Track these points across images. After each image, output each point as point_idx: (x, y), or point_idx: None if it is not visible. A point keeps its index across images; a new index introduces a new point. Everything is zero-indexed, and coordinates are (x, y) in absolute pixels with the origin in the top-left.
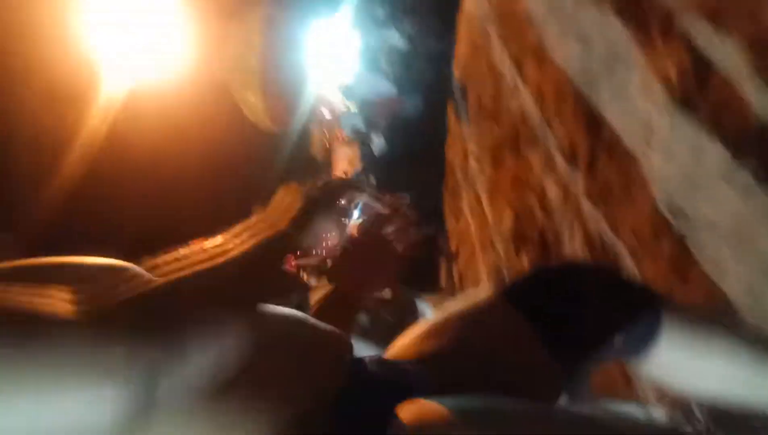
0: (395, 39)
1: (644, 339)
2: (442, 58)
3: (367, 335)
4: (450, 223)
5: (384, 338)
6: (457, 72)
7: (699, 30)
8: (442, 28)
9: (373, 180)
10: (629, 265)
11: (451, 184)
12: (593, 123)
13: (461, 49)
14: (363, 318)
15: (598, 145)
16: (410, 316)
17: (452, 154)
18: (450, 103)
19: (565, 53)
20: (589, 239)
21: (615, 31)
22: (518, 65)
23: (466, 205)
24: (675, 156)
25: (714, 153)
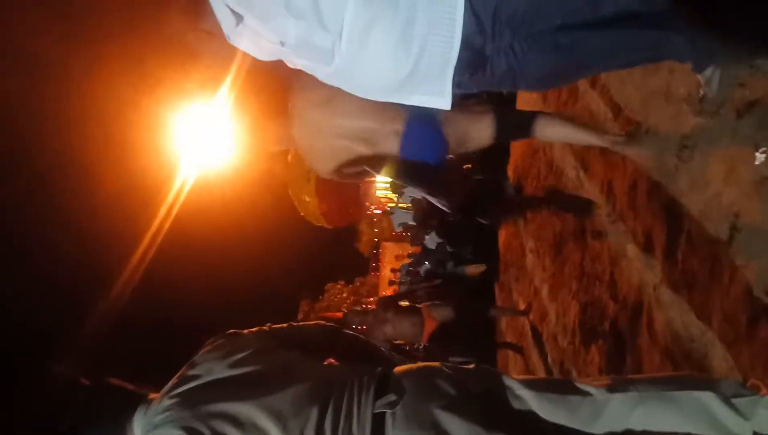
0: None
1: None
2: (497, 163)
3: None
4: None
5: None
6: (511, 174)
7: None
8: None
9: (423, 272)
10: (723, 354)
11: (507, 281)
12: (670, 213)
13: (516, 150)
14: None
15: (678, 234)
16: None
17: (507, 253)
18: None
19: (637, 147)
20: (672, 328)
21: (688, 125)
22: (583, 161)
23: (520, 299)
24: (766, 238)
25: None
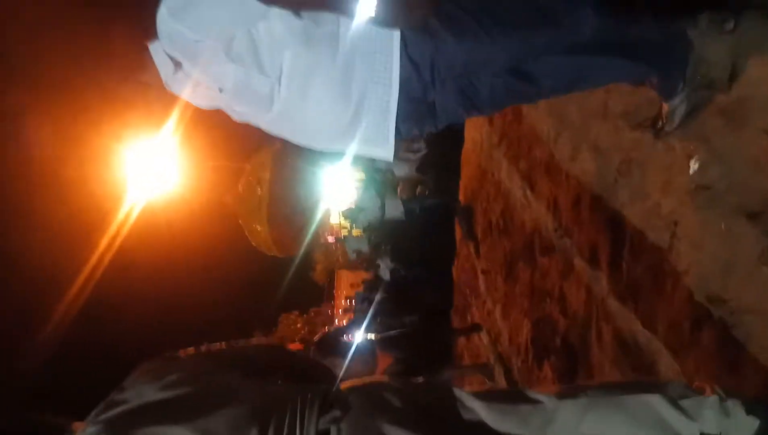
0: (399, 170)
1: None
2: (447, 187)
3: None
4: (460, 341)
5: None
6: (462, 196)
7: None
8: (447, 155)
9: (377, 301)
10: (669, 361)
11: (461, 304)
12: (614, 224)
13: (466, 173)
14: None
15: (621, 245)
16: None
17: (461, 275)
18: (457, 225)
19: (579, 164)
20: (620, 339)
21: (626, 139)
22: (529, 180)
23: (477, 321)
24: (705, 245)
25: (746, 237)
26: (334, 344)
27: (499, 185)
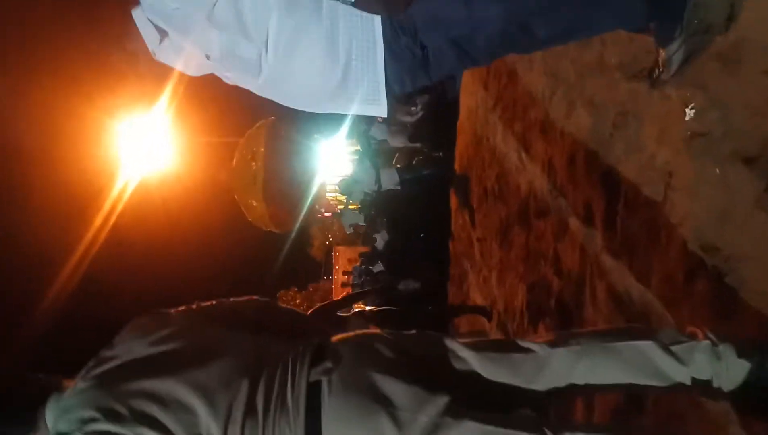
0: (395, 141)
1: None
2: (443, 156)
3: None
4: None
5: None
6: (457, 165)
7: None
8: (444, 128)
9: (375, 272)
10: (662, 313)
11: (457, 274)
12: (608, 181)
13: (462, 142)
14: None
15: (616, 201)
16: None
17: (457, 245)
18: (453, 194)
19: (574, 121)
20: (614, 295)
21: (622, 91)
22: (524, 142)
23: (474, 291)
24: (700, 194)
25: (742, 183)
26: (328, 317)
27: (494, 151)
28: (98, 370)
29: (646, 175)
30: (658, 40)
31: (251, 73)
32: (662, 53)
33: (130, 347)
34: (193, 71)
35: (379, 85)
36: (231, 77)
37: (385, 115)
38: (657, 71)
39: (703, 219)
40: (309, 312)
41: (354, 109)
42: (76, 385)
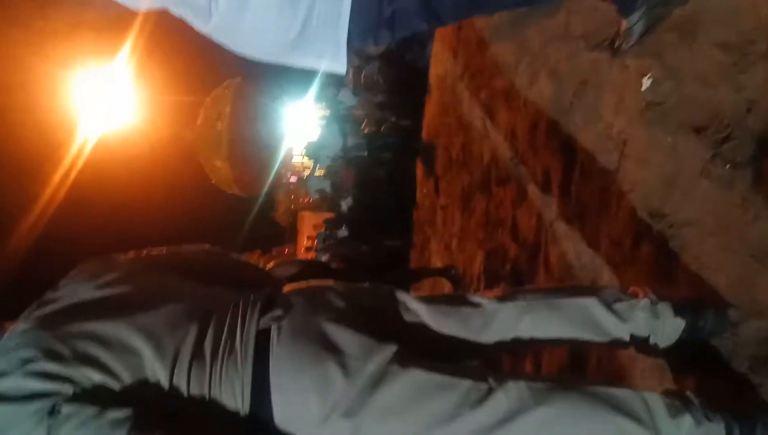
0: (364, 107)
1: None
2: (411, 123)
3: None
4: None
5: None
6: (425, 133)
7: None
8: (413, 97)
9: (339, 238)
10: (609, 276)
11: (420, 242)
12: (567, 149)
13: (429, 111)
14: None
15: (572, 169)
16: None
17: (421, 214)
18: (418, 163)
19: (537, 89)
20: (566, 260)
21: (583, 61)
22: (489, 111)
23: (435, 257)
24: (651, 162)
25: (691, 151)
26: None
27: (460, 119)
28: (41, 311)
29: (602, 144)
30: (620, 9)
31: (200, 18)
32: (624, 23)
33: (75, 290)
34: (145, 5)
35: (341, 39)
36: (180, 15)
37: (343, 73)
38: (618, 41)
39: (652, 186)
40: (268, 266)
41: (310, 64)
42: (17, 326)
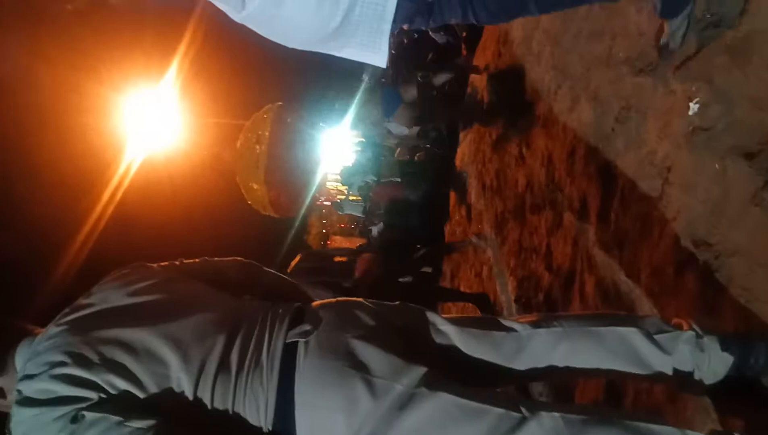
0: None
1: None
2: (444, 151)
3: None
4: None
5: None
6: (458, 162)
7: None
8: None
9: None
10: (649, 308)
11: (449, 270)
12: (606, 175)
13: (463, 138)
14: None
15: (612, 195)
16: None
17: (451, 239)
18: (451, 191)
19: (577, 115)
20: (602, 289)
21: (627, 86)
22: (525, 137)
23: (464, 285)
24: (697, 188)
25: (740, 178)
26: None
27: (495, 146)
28: (72, 317)
29: (644, 170)
30: (662, 12)
31: (233, 6)
32: (666, 27)
33: (107, 296)
34: None
35: (383, 34)
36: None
37: (383, 66)
38: (664, 41)
39: (697, 213)
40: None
41: (349, 55)
42: (49, 330)
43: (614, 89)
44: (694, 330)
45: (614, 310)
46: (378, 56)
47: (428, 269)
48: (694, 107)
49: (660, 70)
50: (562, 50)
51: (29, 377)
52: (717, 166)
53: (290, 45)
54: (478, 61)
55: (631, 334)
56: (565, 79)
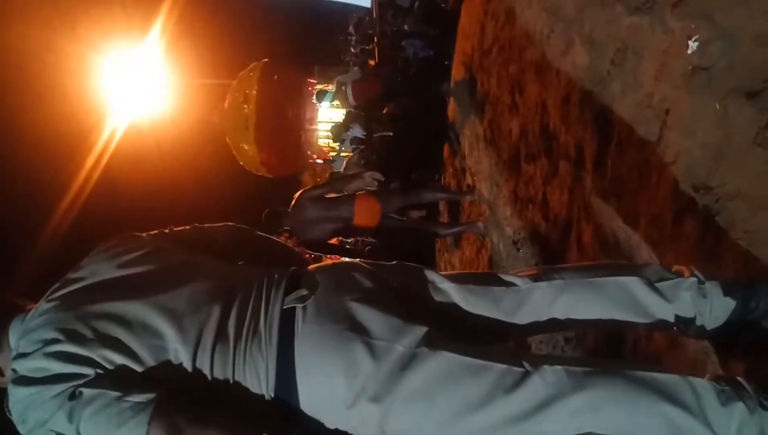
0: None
1: None
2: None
3: None
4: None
5: None
6: (450, 111)
7: None
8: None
9: None
10: (649, 255)
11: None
12: (602, 121)
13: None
14: None
15: (608, 142)
16: None
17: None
18: (445, 144)
19: (571, 59)
20: (600, 238)
21: (622, 27)
22: (518, 84)
23: (464, 239)
24: (696, 131)
25: (742, 118)
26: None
27: (488, 94)
28: (63, 292)
29: (642, 114)
30: None
31: None
32: None
33: (97, 269)
34: None
35: None
36: None
37: (368, 5)
38: None
39: (697, 157)
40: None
41: None
42: (40, 306)
43: (609, 30)
44: (695, 276)
45: (613, 258)
46: None
47: (422, 213)
48: (693, 46)
49: (657, 7)
50: None
51: (23, 356)
52: (717, 106)
53: None
54: (467, 5)
55: (632, 283)
56: (557, 21)
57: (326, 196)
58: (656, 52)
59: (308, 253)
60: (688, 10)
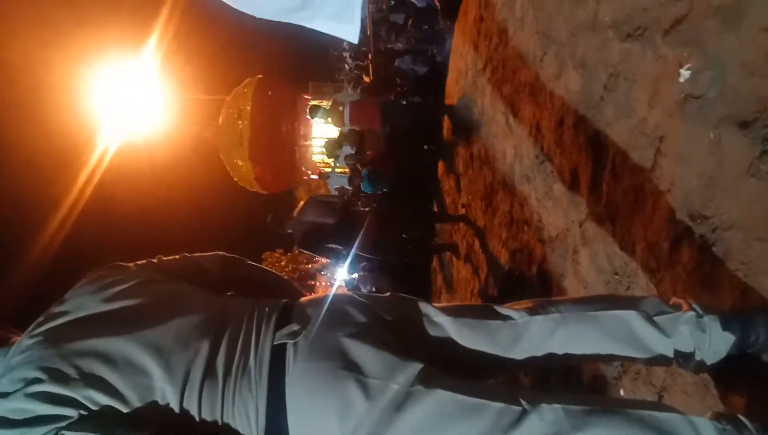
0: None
1: None
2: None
3: None
4: (436, 279)
5: None
6: (445, 130)
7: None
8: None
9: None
10: (645, 282)
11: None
12: (596, 145)
13: (450, 100)
14: None
15: (603, 166)
16: None
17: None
18: (440, 161)
19: (564, 83)
20: (597, 263)
21: (614, 52)
22: (512, 105)
23: (458, 261)
24: (690, 159)
25: (735, 148)
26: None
27: (482, 114)
28: (46, 327)
29: (635, 140)
30: None
31: None
32: None
33: (81, 303)
34: None
35: (355, 6)
36: None
37: (355, 41)
38: None
39: (692, 185)
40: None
41: (320, 26)
42: (22, 341)
43: (601, 56)
44: (694, 310)
45: (611, 287)
46: (349, 27)
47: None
48: (685, 74)
49: (648, 34)
50: (546, 14)
51: (3, 396)
52: (711, 135)
53: (260, 15)
54: (460, 24)
55: (631, 317)
56: (550, 44)
57: (329, 202)
58: (648, 79)
59: (307, 280)
60: (679, 37)
